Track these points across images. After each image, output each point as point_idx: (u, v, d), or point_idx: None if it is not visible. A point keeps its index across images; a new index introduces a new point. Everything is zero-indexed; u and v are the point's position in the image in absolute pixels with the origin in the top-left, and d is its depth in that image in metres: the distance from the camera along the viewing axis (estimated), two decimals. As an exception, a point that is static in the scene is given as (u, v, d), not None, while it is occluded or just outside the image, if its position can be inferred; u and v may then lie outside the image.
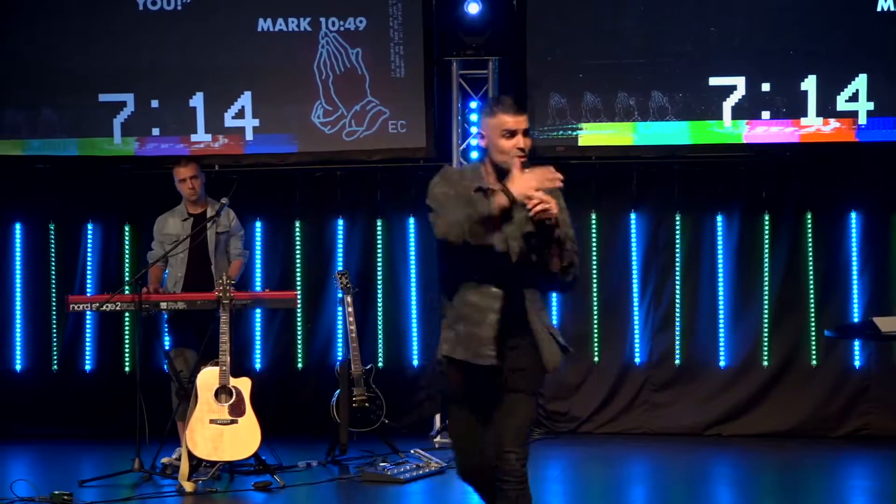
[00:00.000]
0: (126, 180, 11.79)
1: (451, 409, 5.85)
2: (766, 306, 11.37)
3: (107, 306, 9.65)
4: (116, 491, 9.02)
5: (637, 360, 11.52)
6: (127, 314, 11.41)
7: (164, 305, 9.69)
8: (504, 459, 5.57)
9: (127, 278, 11.50)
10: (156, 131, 11.52)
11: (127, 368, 11.83)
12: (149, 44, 11.48)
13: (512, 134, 5.60)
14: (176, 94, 11.49)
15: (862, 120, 10.91)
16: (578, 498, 9.24)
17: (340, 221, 11.83)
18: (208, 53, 11.46)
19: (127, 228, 11.88)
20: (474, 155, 11.44)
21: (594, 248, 11.59)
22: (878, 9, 10.85)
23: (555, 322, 11.42)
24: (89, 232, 11.91)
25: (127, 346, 11.87)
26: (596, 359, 11.57)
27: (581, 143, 11.26)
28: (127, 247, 11.88)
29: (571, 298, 11.43)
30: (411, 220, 11.74)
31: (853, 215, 11.28)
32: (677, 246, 11.50)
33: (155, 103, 11.51)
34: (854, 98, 10.91)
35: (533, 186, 5.34)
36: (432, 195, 5.67)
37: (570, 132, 11.26)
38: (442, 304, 5.76)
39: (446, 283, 5.73)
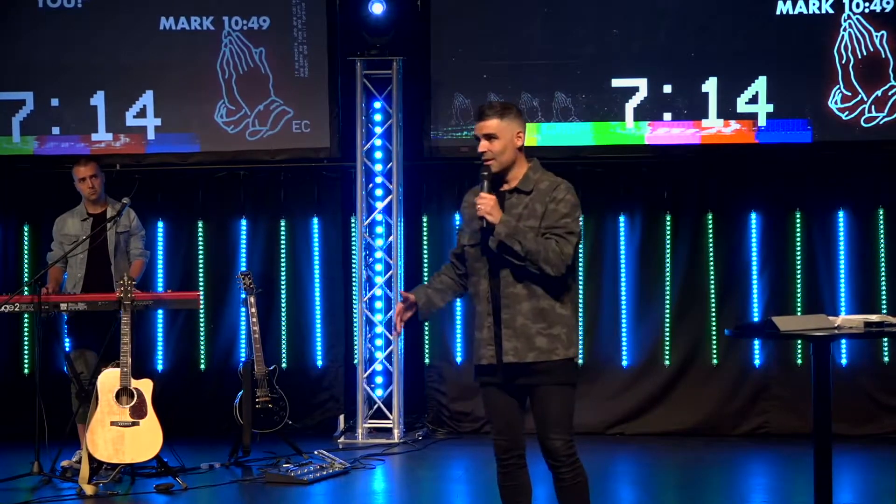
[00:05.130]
0: (25, 179, 11.65)
1: None
2: (667, 306, 11.47)
3: (5, 307, 9.50)
4: (15, 495, 8.91)
5: (540, 359, 11.55)
6: (26, 315, 11.26)
7: (64, 306, 9.57)
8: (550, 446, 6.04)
9: (26, 279, 11.36)
10: (56, 130, 11.40)
11: (26, 370, 11.69)
12: (49, 41, 11.36)
13: (478, 140, 6.11)
14: (76, 93, 11.38)
15: (762, 122, 11.04)
16: (482, 498, 9.26)
17: (243, 221, 11.77)
18: (110, 52, 11.36)
19: (26, 228, 11.74)
20: (378, 155, 11.43)
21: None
22: (777, 12, 10.99)
23: (459, 323, 11.48)
24: (-13, 232, 11.77)
25: (26, 347, 11.72)
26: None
27: (485, 143, 11.27)
28: (26, 247, 11.74)
29: (470, 300, 11.45)
30: (315, 221, 11.70)
31: (753, 216, 11.40)
32: (580, 246, 11.54)
33: (55, 102, 11.41)
34: (754, 100, 11.04)
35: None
36: None
37: (474, 132, 11.26)
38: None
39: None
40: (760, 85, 11.03)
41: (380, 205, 11.42)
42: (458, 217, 11.48)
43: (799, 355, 11.27)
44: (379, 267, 11.48)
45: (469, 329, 11.52)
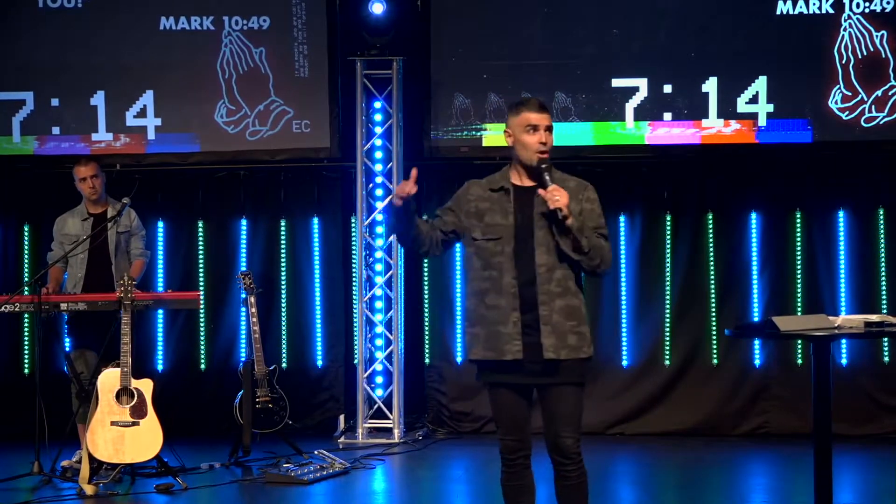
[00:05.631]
0: (25, 179, 11.65)
1: None
2: (667, 306, 11.47)
3: (5, 307, 9.50)
4: (15, 495, 8.91)
5: (540, 359, 11.55)
6: (26, 315, 11.26)
7: (64, 306, 9.57)
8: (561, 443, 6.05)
9: (26, 279, 11.37)
10: (56, 130, 11.40)
11: (26, 370, 11.69)
12: (49, 41, 11.36)
13: (535, 129, 6.08)
14: (77, 93, 11.38)
15: (762, 122, 11.04)
16: (482, 498, 9.26)
17: (244, 221, 11.77)
18: (110, 52, 11.36)
19: (26, 228, 11.73)
20: (378, 155, 11.43)
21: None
22: (777, 12, 10.99)
23: (459, 323, 11.48)
24: (-13, 232, 11.77)
25: (26, 347, 11.72)
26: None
27: (485, 143, 11.29)
28: (26, 247, 11.73)
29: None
30: (315, 221, 11.70)
31: (753, 216, 11.40)
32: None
33: (55, 102, 11.40)
34: (754, 100, 11.04)
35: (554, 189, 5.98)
36: None
37: (474, 132, 11.30)
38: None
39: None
40: (760, 85, 11.03)
41: (380, 205, 11.42)
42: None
43: (799, 355, 11.27)
44: (379, 267, 11.48)
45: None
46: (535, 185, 6.10)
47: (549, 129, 6.13)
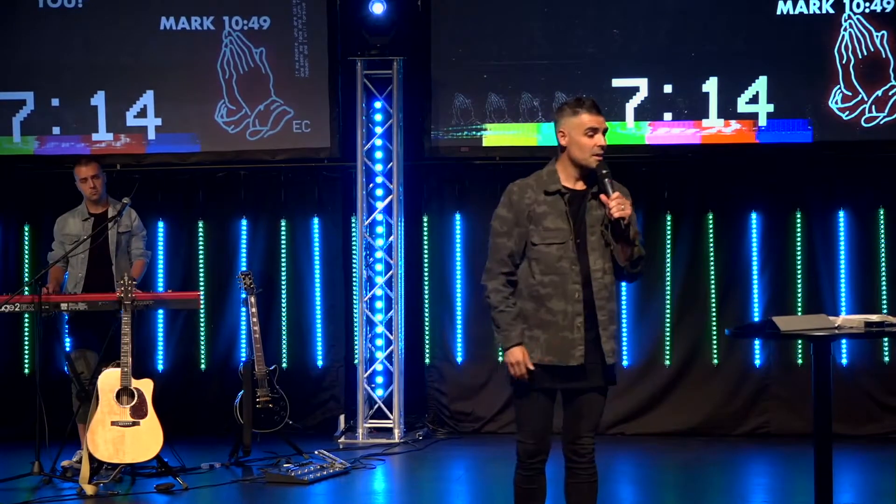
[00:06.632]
0: (26, 179, 11.65)
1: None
2: (667, 306, 11.47)
3: (6, 307, 9.50)
4: (15, 494, 8.91)
5: (540, 359, 11.54)
6: (26, 315, 11.26)
7: (64, 306, 9.56)
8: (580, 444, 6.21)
9: (26, 279, 11.36)
10: (56, 130, 11.40)
11: (26, 370, 11.68)
12: (49, 41, 11.36)
13: (594, 132, 6.08)
14: (77, 93, 11.38)
15: (762, 122, 11.04)
16: (482, 498, 9.26)
17: (244, 222, 11.77)
18: (110, 52, 11.36)
19: (27, 228, 11.73)
20: (378, 155, 11.43)
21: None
22: (778, 12, 10.99)
23: (459, 323, 11.49)
24: (-12, 232, 11.78)
25: (26, 347, 11.72)
26: (500, 359, 11.60)
27: (486, 143, 11.29)
28: (27, 247, 11.73)
29: (474, 299, 11.44)
30: (315, 221, 11.70)
31: (754, 216, 11.40)
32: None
33: (56, 102, 11.40)
34: (754, 100, 11.04)
35: (617, 196, 5.95)
36: (494, 216, 6.11)
37: (474, 132, 11.29)
38: None
39: None
40: (761, 85, 11.03)
41: (380, 205, 11.42)
42: (458, 217, 11.50)
43: (799, 355, 11.28)
44: (379, 267, 11.48)
45: (477, 327, 11.50)
46: (586, 188, 6.08)
47: (604, 131, 6.10)
